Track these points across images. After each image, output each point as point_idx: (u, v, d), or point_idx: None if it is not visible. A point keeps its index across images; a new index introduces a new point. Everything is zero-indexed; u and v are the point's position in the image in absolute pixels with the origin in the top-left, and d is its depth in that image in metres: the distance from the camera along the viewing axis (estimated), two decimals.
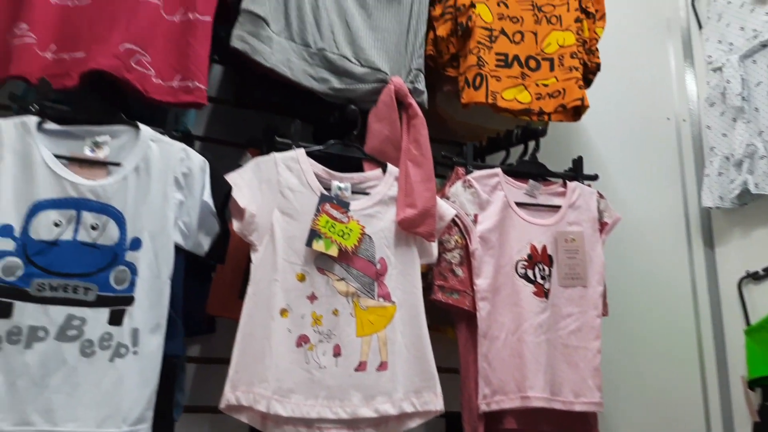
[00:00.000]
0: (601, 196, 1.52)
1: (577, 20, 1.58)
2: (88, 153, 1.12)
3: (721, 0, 2.13)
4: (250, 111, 1.54)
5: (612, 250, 1.89)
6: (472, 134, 1.68)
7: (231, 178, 1.19)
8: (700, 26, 2.25)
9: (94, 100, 1.16)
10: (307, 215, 1.22)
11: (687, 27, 2.32)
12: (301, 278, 1.19)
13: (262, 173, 1.22)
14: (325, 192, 1.25)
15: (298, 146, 1.28)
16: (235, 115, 1.59)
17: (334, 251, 1.20)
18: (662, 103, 2.22)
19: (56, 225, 1.04)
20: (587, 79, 1.62)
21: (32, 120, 1.07)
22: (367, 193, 1.30)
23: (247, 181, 1.20)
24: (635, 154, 2.12)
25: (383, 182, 1.31)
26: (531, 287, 1.37)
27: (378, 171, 1.33)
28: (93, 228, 1.07)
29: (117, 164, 1.11)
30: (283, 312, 1.16)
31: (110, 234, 1.07)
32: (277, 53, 1.29)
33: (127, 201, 1.09)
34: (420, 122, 1.33)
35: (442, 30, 1.48)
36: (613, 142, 2.08)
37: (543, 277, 1.39)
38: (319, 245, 1.19)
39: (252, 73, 1.36)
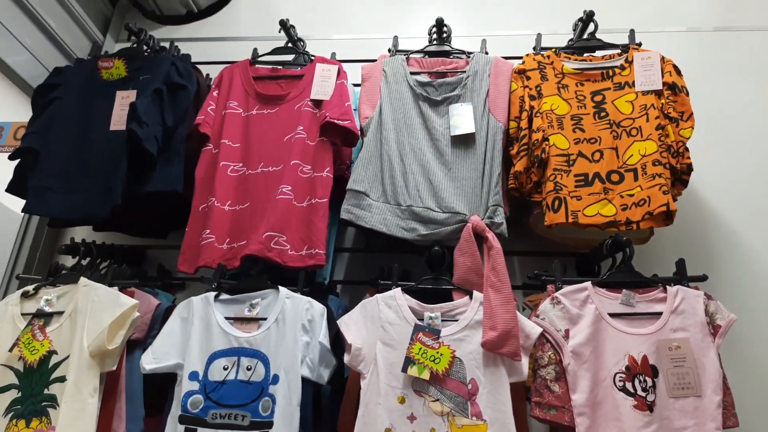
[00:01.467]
0: (709, 297, 1.45)
1: (659, 127, 1.63)
2: (246, 313, 1.56)
3: None
4: (378, 255, 1.91)
5: None
6: (583, 244, 1.78)
7: (342, 319, 1.52)
8: None
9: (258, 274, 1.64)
10: (404, 344, 1.46)
11: None
12: (402, 401, 1.41)
13: (366, 312, 1.52)
14: (419, 322, 1.49)
15: (397, 285, 1.57)
16: (368, 259, 1.97)
17: (426, 375, 1.41)
18: None
19: (224, 368, 1.47)
20: (682, 180, 1.62)
21: (211, 294, 1.57)
22: (456, 320, 1.50)
23: (354, 321, 1.51)
24: None
25: (470, 308, 1.50)
26: (631, 400, 1.36)
27: (465, 298, 1.53)
28: (248, 369, 1.47)
29: (264, 319, 1.53)
30: (388, 431, 1.38)
31: (259, 372, 1.47)
32: (376, 215, 1.65)
33: (270, 346, 1.49)
34: (496, 252, 1.52)
35: (519, 165, 1.68)
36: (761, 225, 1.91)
37: (645, 389, 1.37)
38: (413, 370, 1.42)
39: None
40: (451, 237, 1.60)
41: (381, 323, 1.49)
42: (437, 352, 1.44)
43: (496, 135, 1.70)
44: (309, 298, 1.55)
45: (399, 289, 1.55)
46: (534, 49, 1.90)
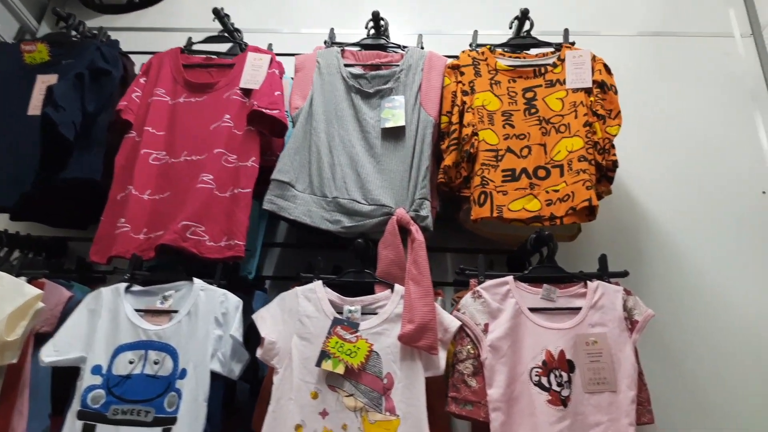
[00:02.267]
0: (628, 292, 1.45)
1: (586, 124, 1.63)
2: (158, 305, 1.50)
3: None
4: (310, 251, 1.86)
5: (719, 356, 1.73)
6: (511, 240, 1.76)
7: (258, 312, 1.46)
8: None
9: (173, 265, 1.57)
10: (322, 338, 1.41)
11: None
12: (315, 396, 1.36)
13: (285, 305, 1.47)
14: (338, 316, 1.45)
15: (318, 278, 1.52)
16: (300, 255, 1.92)
17: (341, 369, 1.36)
18: (755, 177, 2.01)
19: (130, 362, 1.40)
20: (608, 176, 1.62)
21: (122, 285, 1.49)
22: (376, 313, 1.46)
23: (271, 314, 1.46)
24: (733, 241, 1.93)
25: (391, 301, 1.47)
26: (545, 395, 1.34)
27: (387, 292, 1.49)
28: (155, 363, 1.40)
29: (176, 311, 1.47)
30: (298, 427, 1.33)
31: (167, 366, 1.40)
32: (300, 206, 1.60)
33: (180, 339, 1.42)
34: (419, 245, 1.49)
35: (449, 160, 1.65)
36: (707, 232, 1.94)
37: (560, 384, 1.35)
38: (327, 364, 1.37)
39: None
40: (376, 230, 1.57)
41: (299, 316, 1.44)
42: (354, 346, 1.40)
43: (426, 129, 1.68)
44: (225, 291, 1.49)
45: (320, 282, 1.51)
46: (470, 45, 1.90)
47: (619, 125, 1.65)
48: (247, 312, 1.50)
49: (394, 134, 1.67)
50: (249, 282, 1.73)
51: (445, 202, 1.80)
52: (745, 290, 1.83)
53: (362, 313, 1.46)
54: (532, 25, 1.89)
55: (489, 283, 1.48)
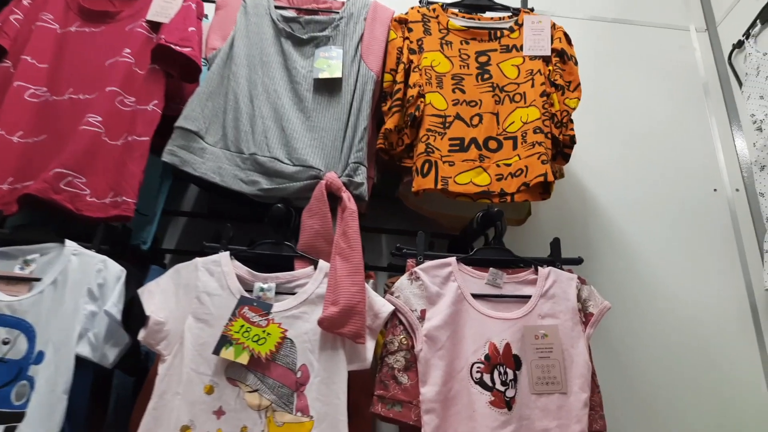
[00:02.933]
0: (583, 281, 1.28)
1: (543, 94, 1.46)
2: (17, 270, 1.18)
3: (755, 53, 1.90)
4: (224, 224, 1.58)
5: (668, 352, 1.62)
6: (456, 222, 1.57)
7: (148, 285, 1.18)
8: (740, 84, 1.99)
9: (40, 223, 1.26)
10: (224, 320, 1.15)
11: (726, 87, 2.07)
12: (209, 390, 1.10)
13: (181, 279, 1.20)
14: (247, 294, 1.19)
15: (226, 249, 1.26)
16: (212, 228, 1.63)
17: (244, 359, 1.11)
18: (707, 174, 1.93)
19: None
20: (564, 153, 1.46)
21: None
22: (294, 293, 1.21)
23: (162, 288, 1.18)
24: (684, 235, 1.83)
25: (313, 280, 1.23)
26: (488, 395, 1.14)
27: (309, 268, 1.25)
28: (4, 343, 1.09)
29: (38, 279, 1.16)
30: (185, 429, 1.06)
31: (20, 348, 1.09)
32: (209, 162, 1.33)
33: (41, 314, 1.12)
34: (350, 214, 1.26)
35: (390, 123, 1.44)
36: (657, 225, 1.82)
37: (504, 383, 1.16)
38: (227, 352, 1.11)
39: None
40: (300, 195, 1.32)
41: (197, 293, 1.18)
42: (263, 331, 1.15)
43: (367, 84, 1.45)
44: (104, 258, 1.19)
45: (227, 253, 1.24)
46: (420, 2, 1.69)
47: (579, 98, 1.49)
48: (137, 287, 1.22)
49: (328, 87, 1.44)
50: (142, 253, 1.43)
51: (384, 176, 1.58)
52: (694, 289, 1.73)
53: (277, 293, 1.21)
54: None
55: (429, 264, 1.27)
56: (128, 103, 1.37)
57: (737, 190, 1.90)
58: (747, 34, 1.96)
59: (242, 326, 1.14)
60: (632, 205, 1.83)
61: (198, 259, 1.22)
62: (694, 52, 2.17)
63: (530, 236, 1.62)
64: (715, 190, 1.90)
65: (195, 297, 1.17)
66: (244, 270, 1.23)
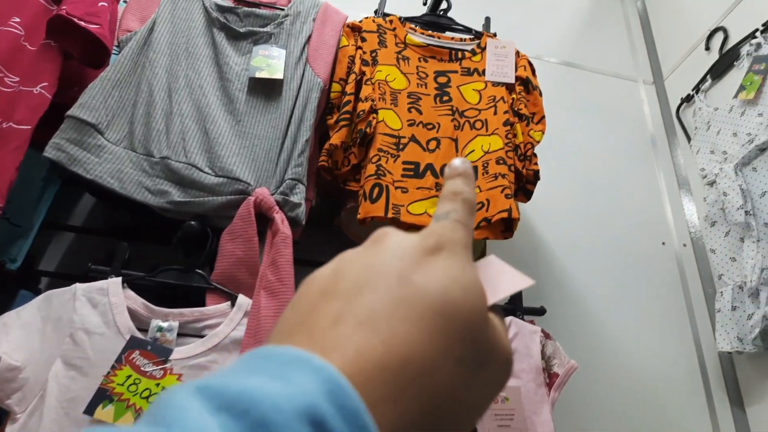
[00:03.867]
0: (547, 336, 1.12)
1: (507, 123, 1.32)
2: None
3: (706, 108, 1.88)
4: (127, 243, 1.29)
5: (616, 411, 1.48)
6: None
7: (4, 316, 0.89)
8: (688, 138, 1.98)
9: None
10: (105, 368, 0.88)
11: (673, 141, 2.06)
12: None
13: (51, 309, 0.92)
14: (138, 335, 0.92)
15: (119, 274, 0.99)
16: (107, 246, 1.34)
17: (127, 421, 0.84)
18: (656, 226, 1.87)
19: None
20: (526, 189, 1.32)
21: None
22: (202, 335, 0.96)
23: (24, 321, 0.89)
24: (633, 288, 1.72)
25: (228, 320, 0.98)
26: None
27: (225, 305, 1.00)
28: None
29: None
30: None
31: None
32: (107, 163, 1.06)
33: None
34: (282, 240, 1.03)
35: (336, 138, 1.24)
36: (608, 275, 1.71)
37: None
38: (105, 412, 0.84)
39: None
40: (221, 212, 1.08)
41: (72, 330, 0.90)
42: (157, 385, 0.88)
43: (312, 91, 1.25)
44: None
45: (119, 279, 0.98)
46: (375, 12, 1.53)
47: (543, 131, 1.37)
48: None
49: (266, 89, 1.22)
50: (8, 273, 1.12)
51: (323, 200, 1.37)
52: (644, 345, 1.62)
53: (180, 334, 0.95)
54: (449, 5, 1.57)
55: None
56: (9, 83, 1.08)
57: (684, 245, 1.85)
58: (697, 89, 1.95)
59: (129, 377, 0.87)
60: (583, 254, 1.72)
61: (78, 286, 0.94)
62: (642, 103, 2.15)
63: None
64: (663, 243, 1.83)
65: (68, 335, 0.89)
66: (139, 302, 0.96)
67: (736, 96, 1.74)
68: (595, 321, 1.63)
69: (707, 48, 1.99)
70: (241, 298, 1.00)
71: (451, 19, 1.56)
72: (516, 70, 1.44)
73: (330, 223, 1.37)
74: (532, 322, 1.14)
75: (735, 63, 1.83)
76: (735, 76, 1.81)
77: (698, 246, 1.83)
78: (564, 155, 1.90)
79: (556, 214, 1.78)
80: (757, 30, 1.76)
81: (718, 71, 1.90)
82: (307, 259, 1.43)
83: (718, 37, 1.93)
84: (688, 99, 2.00)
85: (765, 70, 1.66)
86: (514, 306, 1.16)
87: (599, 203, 1.86)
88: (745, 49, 1.79)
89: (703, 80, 1.94)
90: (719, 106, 1.82)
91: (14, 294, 1.14)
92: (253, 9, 1.33)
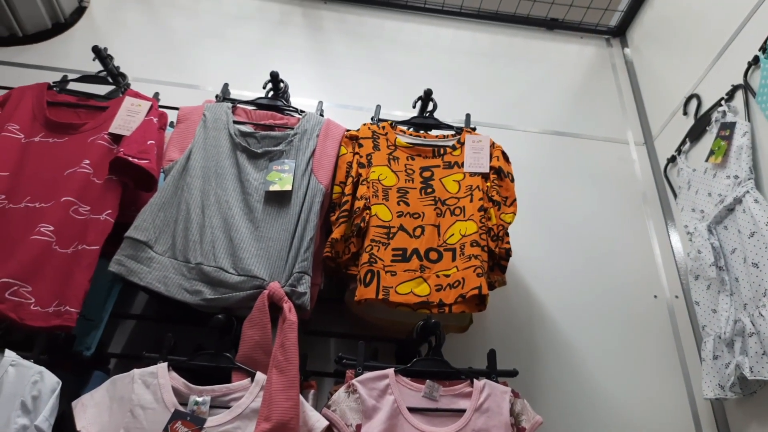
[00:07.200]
0: (516, 395, 1.31)
1: (481, 209, 1.56)
2: None
3: (686, 168, 2.05)
4: (173, 327, 1.59)
5: None
6: (399, 328, 1.60)
7: (82, 398, 1.18)
8: (675, 196, 2.13)
9: None
10: None
11: (663, 197, 2.22)
12: None
13: (116, 391, 1.20)
14: (181, 408, 1.19)
15: (165, 359, 1.27)
16: (159, 331, 1.64)
17: None
18: (648, 281, 2.02)
19: None
20: (500, 265, 1.54)
21: None
22: (228, 407, 1.22)
23: (96, 401, 1.18)
24: (627, 343, 1.88)
25: (249, 393, 1.24)
26: None
27: (246, 381, 1.27)
28: None
29: None
30: None
31: None
32: (155, 271, 1.37)
33: None
34: (289, 326, 1.29)
35: (337, 233, 1.51)
36: (601, 332, 1.88)
37: None
38: None
39: None
40: (243, 305, 1.36)
41: (131, 406, 1.18)
42: None
43: (315, 197, 1.53)
44: (41, 369, 1.20)
45: (165, 364, 1.26)
46: (372, 119, 1.82)
47: (514, 213, 1.59)
48: (75, 397, 1.22)
49: (278, 199, 1.51)
50: (84, 359, 1.43)
51: (333, 282, 1.63)
52: (637, 398, 1.75)
53: (212, 406, 1.22)
54: (435, 106, 1.85)
55: (367, 375, 1.30)
56: (82, 212, 1.42)
57: (677, 296, 1.98)
58: (679, 150, 2.12)
59: None
60: (576, 313, 1.89)
61: (135, 371, 1.23)
62: (633, 163, 2.33)
63: (475, 344, 1.66)
64: (655, 296, 1.98)
65: (129, 410, 1.17)
66: (180, 382, 1.24)
67: (707, 160, 1.90)
68: (590, 377, 1.78)
69: (685, 113, 2.16)
70: (259, 375, 1.26)
71: (436, 119, 1.83)
72: (491, 161, 1.68)
73: (338, 299, 1.63)
74: (505, 383, 1.34)
75: (707, 128, 2.00)
76: (708, 140, 1.98)
77: (689, 297, 1.96)
78: (560, 220, 2.11)
79: (552, 276, 1.97)
80: (722, 99, 1.93)
81: (694, 134, 2.07)
82: (322, 331, 1.69)
83: (694, 103, 2.11)
84: (673, 160, 2.17)
85: (729, 136, 1.83)
86: (490, 369, 1.36)
87: (594, 262, 2.03)
88: (714, 115, 1.96)
89: (683, 142, 2.11)
90: (696, 167, 1.99)
91: (90, 373, 1.45)
92: (269, 132, 1.65)
